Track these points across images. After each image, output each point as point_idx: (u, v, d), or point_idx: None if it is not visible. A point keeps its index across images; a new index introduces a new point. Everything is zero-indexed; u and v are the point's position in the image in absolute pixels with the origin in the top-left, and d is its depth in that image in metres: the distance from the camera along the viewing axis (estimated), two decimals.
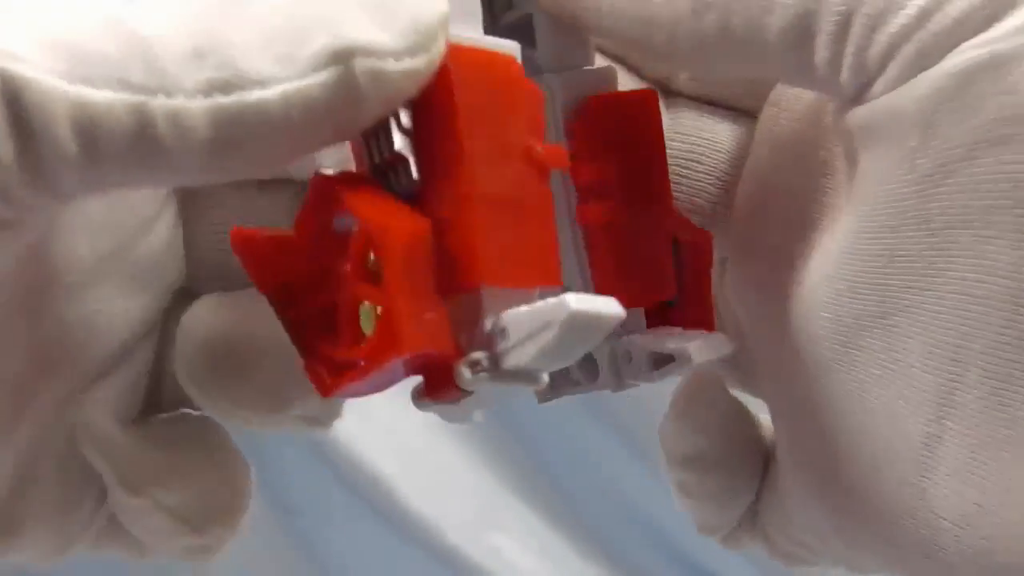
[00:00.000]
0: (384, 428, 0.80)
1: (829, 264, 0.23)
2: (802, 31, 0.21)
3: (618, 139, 0.25)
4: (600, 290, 0.24)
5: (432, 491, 0.83)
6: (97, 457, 0.26)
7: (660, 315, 0.25)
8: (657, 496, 0.81)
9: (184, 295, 0.27)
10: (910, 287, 0.22)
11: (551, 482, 0.84)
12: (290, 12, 0.20)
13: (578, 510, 0.84)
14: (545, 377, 0.22)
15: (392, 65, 0.20)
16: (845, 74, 0.22)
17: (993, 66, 0.20)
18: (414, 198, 0.21)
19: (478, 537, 0.83)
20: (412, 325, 0.20)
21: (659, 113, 0.26)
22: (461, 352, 0.21)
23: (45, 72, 0.18)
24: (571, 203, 0.24)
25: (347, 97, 0.20)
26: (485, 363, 0.21)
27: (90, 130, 0.18)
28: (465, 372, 0.21)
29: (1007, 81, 0.20)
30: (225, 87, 0.19)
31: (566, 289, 0.21)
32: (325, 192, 0.21)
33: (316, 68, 0.19)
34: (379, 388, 0.22)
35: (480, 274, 0.21)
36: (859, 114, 0.22)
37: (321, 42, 0.19)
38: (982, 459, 0.21)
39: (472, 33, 0.22)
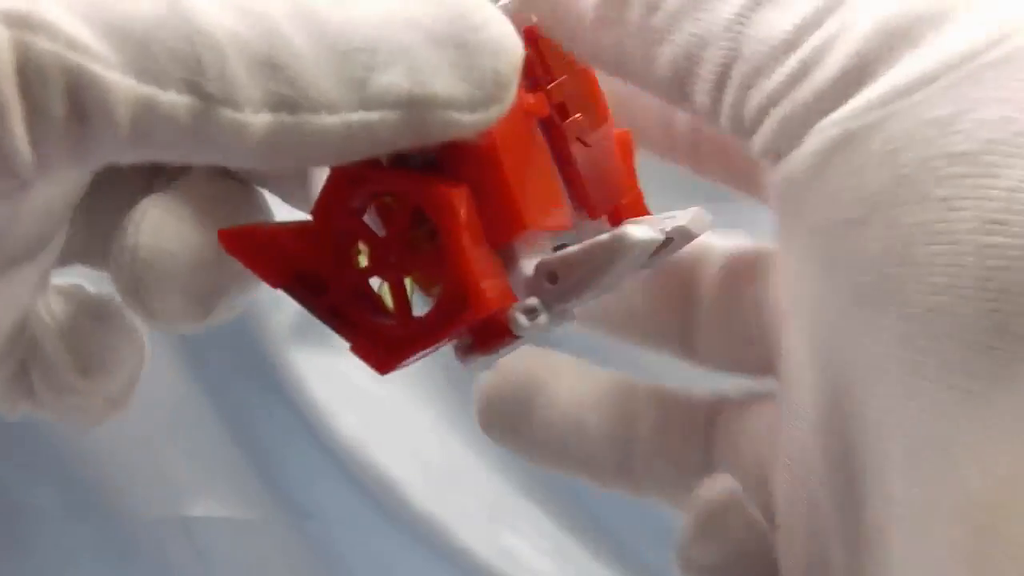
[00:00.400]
0: (395, 430, 0.80)
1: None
2: (686, 73, 0.22)
3: (562, 61, 0.24)
4: (582, 203, 0.25)
5: (444, 492, 0.83)
6: (54, 339, 0.25)
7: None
8: None
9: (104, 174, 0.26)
10: (836, 363, 0.22)
11: (563, 483, 0.84)
12: (367, 32, 0.19)
13: (590, 510, 0.84)
14: (575, 312, 0.23)
15: (467, 117, 0.20)
16: (724, 123, 0.22)
17: (846, 144, 0.20)
18: (430, 167, 0.21)
19: (490, 538, 0.83)
20: (484, 285, 0.20)
21: None
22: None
23: (111, 67, 0.18)
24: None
25: (411, 138, 0.20)
26: (538, 307, 0.21)
27: (149, 128, 0.18)
28: (522, 320, 0.21)
29: (857, 162, 0.20)
30: (293, 107, 0.19)
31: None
32: (349, 174, 0.21)
33: (386, 105, 0.19)
34: (429, 353, 0.22)
35: (523, 221, 0.21)
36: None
37: (397, 79, 0.19)
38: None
39: None
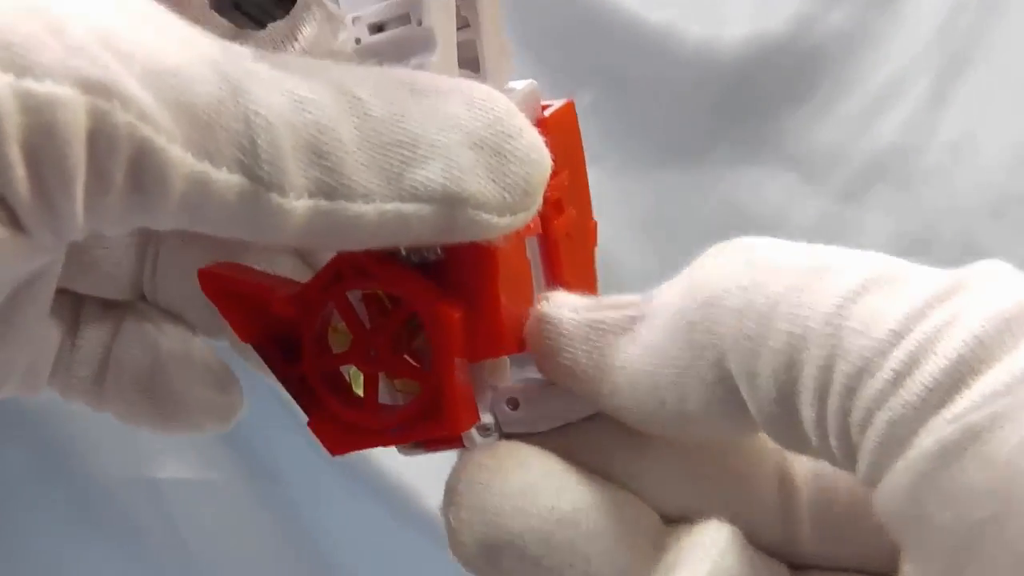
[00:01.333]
0: None
1: None
2: (790, 386, 0.20)
3: (562, 152, 0.25)
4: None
5: (422, 462, 0.82)
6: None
7: None
8: None
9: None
10: None
11: None
12: (409, 127, 0.20)
13: None
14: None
15: (495, 220, 0.20)
16: (833, 445, 0.20)
17: (970, 439, 0.18)
18: (427, 268, 0.22)
19: None
20: (462, 406, 0.22)
21: (576, 118, 0.26)
22: None
23: (173, 141, 0.18)
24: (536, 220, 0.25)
25: (441, 232, 0.20)
26: (492, 427, 0.23)
27: (198, 203, 0.19)
28: (476, 437, 0.23)
29: (985, 453, 0.18)
30: (330, 193, 0.19)
31: None
32: (356, 264, 0.22)
33: (420, 198, 0.20)
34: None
35: (503, 347, 0.22)
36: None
37: (433, 175, 0.20)
38: None
39: None
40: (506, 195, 0.20)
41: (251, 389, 0.85)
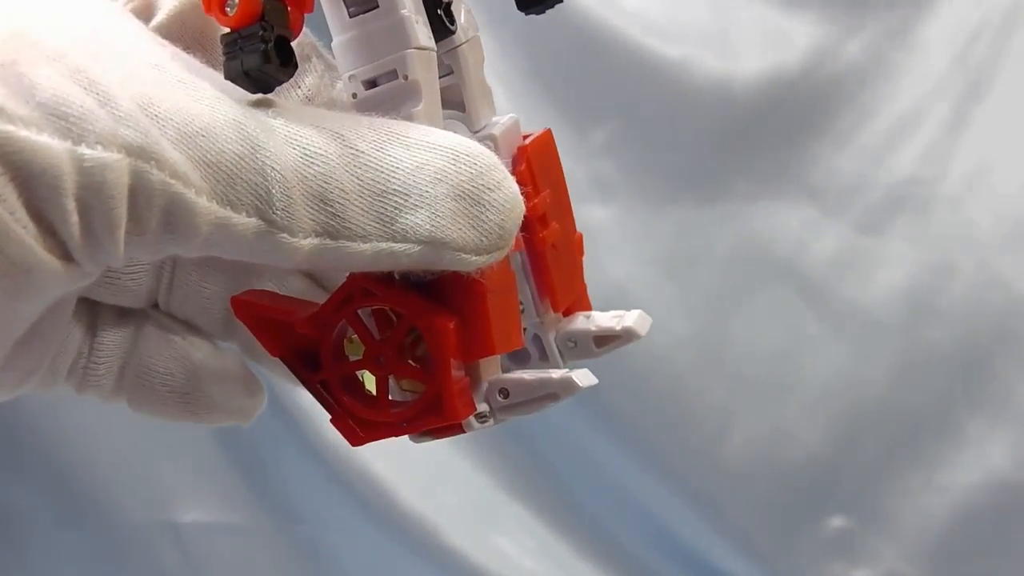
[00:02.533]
0: None
1: None
2: None
3: (545, 173, 0.28)
4: (551, 299, 0.29)
5: (431, 494, 0.83)
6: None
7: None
8: (654, 492, 0.82)
9: None
10: None
11: (548, 481, 0.84)
12: (402, 178, 0.23)
13: (575, 508, 0.84)
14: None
15: (472, 258, 0.24)
16: None
17: None
18: (424, 286, 0.25)
19: (478, 538, 0.83)
20: (459, 400, 0.25)
21: (555, 143, 0.29)
22: None
23: (201, 193, 0.21)
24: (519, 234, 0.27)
25: (427, 265, 0.24)
26: (488, 414, 0.27)
27: (220, 240, 0.22)
28: (474, 423, 0.27)
29: None
30: (334, 234, 0.23)
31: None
32: (364, 286, 0.25)
33: (409, 240, 0.23)
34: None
35: (494, 347, 0.26)
36: None
37: (421, 221, 0.23)
38: None
39: None
40: (483, 239, 0.24)
41: (270, 433, 0.85)
